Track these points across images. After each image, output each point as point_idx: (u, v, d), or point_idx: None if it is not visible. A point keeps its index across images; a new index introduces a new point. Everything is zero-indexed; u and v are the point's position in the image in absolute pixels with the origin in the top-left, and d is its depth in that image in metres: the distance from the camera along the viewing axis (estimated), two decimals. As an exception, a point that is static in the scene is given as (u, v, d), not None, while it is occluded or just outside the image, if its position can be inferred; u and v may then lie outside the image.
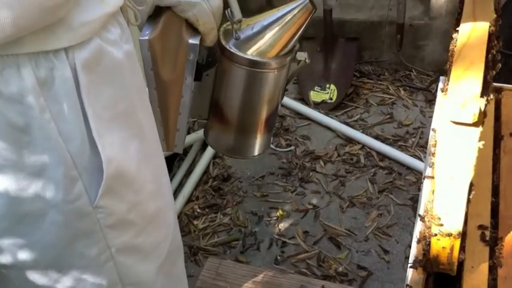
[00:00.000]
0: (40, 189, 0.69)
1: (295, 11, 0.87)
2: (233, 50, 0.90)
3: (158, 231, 0.86)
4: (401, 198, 2.02)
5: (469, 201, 0.77)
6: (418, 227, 0.89)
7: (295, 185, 2.12)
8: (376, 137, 2.26)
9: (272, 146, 2.28)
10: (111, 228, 0.76)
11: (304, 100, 2.46)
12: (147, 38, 0.83)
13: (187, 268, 1.08)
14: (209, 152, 2.20)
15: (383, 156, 2.18)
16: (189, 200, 2.09)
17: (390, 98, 2.46)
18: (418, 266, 0.83)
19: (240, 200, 2.08)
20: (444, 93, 0.85)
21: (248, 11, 2.53)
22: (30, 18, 0.60)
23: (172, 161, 2.23)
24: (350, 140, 2.27)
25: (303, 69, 2.64)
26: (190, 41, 0.87)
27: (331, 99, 2.43)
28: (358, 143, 2.25)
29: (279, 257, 1.87)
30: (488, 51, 0.77)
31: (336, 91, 2.43)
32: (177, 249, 0.95)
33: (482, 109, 0.67)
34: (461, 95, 0.68)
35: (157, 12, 0.87)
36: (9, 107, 0.63)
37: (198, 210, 2.06)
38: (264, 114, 0.97)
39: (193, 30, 0.89)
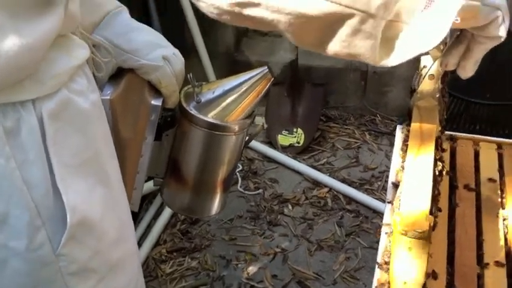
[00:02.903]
0: (3, 237, 0.69)
1: (255, 79, 0.91)
2: (194, 112, 0.92)
3: (120, 278, 0.86)
4: (368, 241, 2.05)
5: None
6: (377, 273, 0.92)
7: (263, 228, 2.14)
8: (343, 181, 2.31)
9: (240, 189, 2.30)
10: (72, 276, 0.76)
11: (272, 144, 2.51)
12: (108, 97, 0.85)
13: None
14: (178, 195, 2.20)
15: (350, 199, 2.22)
16: (156, 244, 2.07)
17: (356, 142, 2.52)
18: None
19: (208, 244, 2.08)
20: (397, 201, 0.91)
21: (216, 54, 2.59)
22: (3, 76, 0.62)
23: (141, 205, 2.22)
24: (317, 183, 2.31)
25: (270, 114, 2.67)
26: (153, 102, 0.90)
27: (298, 143, 2.48)
28: (326, 186, 2.29)
29: (247, 302, 1.87)
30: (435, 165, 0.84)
31: (303, 135, 2.48)
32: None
33: (431, 224, 0.73)
34: (411, 212, 0.73)
35: (119, 73, 0.90)
36: None
37: (166, 254, 2.05)
38: (221, 175, 0.99)
39: (156, 91, 0.92)
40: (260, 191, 2.30)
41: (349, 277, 1.92)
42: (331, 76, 2.59)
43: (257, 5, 0.62)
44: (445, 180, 1.10)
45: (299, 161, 2.41)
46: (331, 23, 0.63)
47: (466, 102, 2.26)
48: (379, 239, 2.06)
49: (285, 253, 2.03)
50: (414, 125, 0.91)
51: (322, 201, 2.23)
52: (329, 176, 2.33)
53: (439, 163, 0.90)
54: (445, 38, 0.76)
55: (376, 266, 0.93)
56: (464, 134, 1.23)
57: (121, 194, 0.87)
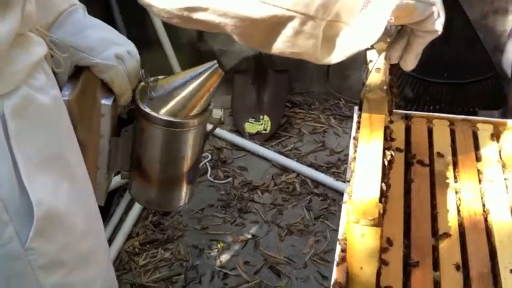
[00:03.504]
0: None
1: (205, 74, 0.92)
2: (147, 109, 0.94)
3: (89, 270, 0.88)
4: (336, 223, 2.08)
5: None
6: (338, 249, 0.96)
7: (234, 216, 2.17)
8: (310, 165, 2.35)
9: (210, 178, 2.33)
10: (42, 269, 0.78)
11: (240, 132, 2.53)
12: (66, 98, 0.86)
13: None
14: (148, 188, 2.22)
15: (317, 183, 2.27)
16: (129, 237, 2.09)
17: (322, 127, 2.57)
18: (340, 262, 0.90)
19: (181, 234, 2.10)
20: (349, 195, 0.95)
21: (180, 45, 2.60)
22: None
23: (111, 199, 2.23)
24: (285, 169, 2.35)
25: (236, 102, 2.68)
26: (103, 101, 0.92)
27: (265, 130, 2.51)
28: (294, 171, 2.33)
29: (221, 289, 1.90)
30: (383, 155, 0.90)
31: (269, 122, 2.52)
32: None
33: (381, 212, 0.78)
34: (363, 201, 0.79)
35: (77, 71, 0.91)
36: None
37: (139, 246, 2.07)
38: (183, 169, 1.00)
39: (109, 89, 0.93)
40: (230, 179, 2.32)
41: (319, 259, 1.97)
42: (295, 62, 2.61)
43: (205, 9, 0.65)
44: (401, 157, 1.15)
45: (267, 148, 2.44)
46: (274, 25, 0.66)
47: (426, 82, 2.33)
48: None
49: (256, 239, 2.06)
50: (364, 116, 0.97)
51: (290, 187, 2.27)
52: (296, 161, 2.37)
53: (387, 152, 0.94)
54: (390, 33, 0.81)
55: (337, 242, 0.97)
56: (418, 112, 1.28)
57: (87, 187, 0.89)
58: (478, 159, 1.15)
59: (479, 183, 1.10)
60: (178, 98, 0.93)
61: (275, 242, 2.05)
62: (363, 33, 0.69)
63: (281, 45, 0.69)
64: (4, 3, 0.68)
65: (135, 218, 2.15)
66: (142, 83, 0.96)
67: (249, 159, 2.42)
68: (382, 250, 0.96)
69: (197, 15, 0.66)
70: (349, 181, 1.08)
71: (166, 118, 0.93)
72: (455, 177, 1.12)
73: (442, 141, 1.19)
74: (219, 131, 2.52)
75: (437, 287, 0.91)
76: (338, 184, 2.21)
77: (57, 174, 0.77)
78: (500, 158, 1.16)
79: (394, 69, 1.04)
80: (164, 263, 2.00)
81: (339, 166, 2.35)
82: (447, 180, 1.10)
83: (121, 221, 2.13)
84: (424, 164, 1.13)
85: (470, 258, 0.95)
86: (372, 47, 0.87)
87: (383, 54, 0.89)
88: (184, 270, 1.97)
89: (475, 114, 2.25)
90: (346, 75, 2.61)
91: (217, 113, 1.03)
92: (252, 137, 2.50)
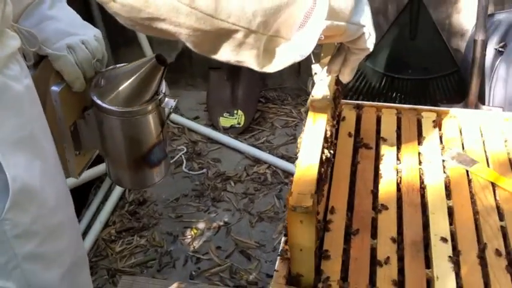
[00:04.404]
0: None
1: (145, 67, 0.98)
2: (94, 98, 1.01)
3: (60, 242, 0.97)
4: (304, 210, 2.21)
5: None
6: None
7: (207, 204, 2.27)
8: (282, 157, 2.46)
9: (185, 169, 2.42)
10: (17, 238, 0.87)
11: (214, 126, 2.64)
12: None
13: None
14: (125, 179, 2.31)
15: (288, 173, 2.37)
16: (106, 225, 2.18)
17: (293, 121, 2.68)
18: (284, 255, 1.00)
19: (156, 222, 2.20)
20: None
21: (158, 43, 2.69)
22: None
23: (89, 189, 2.32)
24: (258, 161, 2.45)
25: (211, 98, 2.76)
26: (52, 88, 0.99)
27: (239, 124, 2.61)
28: (265, 162, 2.44)
29: (193, 273, 1.99)
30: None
31: (243, 116, 2.62)
32: (81, 261, 1.06)
33: (316, 201, 0.91)
34: (299, 192, 0.92)
35: (40, 61, 0.99)
36: None
37: (115, 234, 2.16)
38: (142, 152, 1.07)
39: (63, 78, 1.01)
40: (204, 170, 2.42)
41: (288, 243, 2.07)
42: (268, 59, 2.72)
43: (163, 20, 0.74)
44: (350, 141, 1.26)
45: (240, 141, 2.55)
46: (221, 36, 0.77)
47: (391, 78, 2.45)
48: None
49: (228, 226, 2.16)
50: (308, 121, 1.10)
51: (262, 177, 2.38)
52: (268, 153, 2.47)
53: (326, 151, 1.06)
54: (332, 47, 0.93)
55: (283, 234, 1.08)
56: (368, 102, 1.39)
57: (57, 166, 0.98)
58: (420, 143, 1.27)
59: (420, 164, 1.21)
60: (121, 88, 1.00)
61: (246, 228, 2.15)
62: (298, 48, 0.81)
63: (228, 54, 0.79)
64: None
65: (112, 207, 2.24)
66: (99, 72, 1.04)
67: (223, 152, 2.53)
68: (327, 221, 1.07)
69: (156, 24, 0.75)
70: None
71: (107, 106, 1.00)
72: (398, 159, 1.23)
73: (388, 128, 1.30)
74: (194, 125, 2.62)
75: (373, 252, 1.02)
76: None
77: (30, 153, 0.87)
78: (441, 142, 1.27)
79: (339, 81, 1.16)
80: (139, 249, 2.10)
81: (308, 157, 2.45)
82: (390, 162, 1.21)
83: (98, 210, 2.22)
84: (369, 147, 1.24)
85: (406, 227, 1.06)
86: (317, 61, 1.04)
87: (325, 68, 1.01)
88: (158, 255, 2.06)
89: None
90: (317, 71, 2.72)
91: (169, 102, 1.07)
92: (226, 130, 2.61)
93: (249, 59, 0.80)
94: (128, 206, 2.27)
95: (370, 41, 0.89)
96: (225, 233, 2.14)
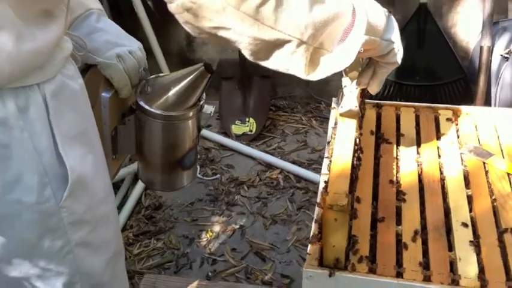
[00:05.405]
0: (18, 194, 0.85)
1: (193, 74, 1.05)
2: (142, 103, 1.07)
3: (106, 231, 1.02)
4: (317, 213, 2.26)
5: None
6: (316, 212, 1.11)
7: (222, 208, 2.32)
8: (293, 162, 2.52)
9: (199, 175, 2.48)
10: (71, 225, 0.93)
11: (227, 133, 2.70)
12: None
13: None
14: (140, 184, 2.36)
15: (300, 178, 2.44)
16: (123, 229, 2.22)
17: (304, 128, 2.74)
18: (315, 240, 1.05)
19: (172, 226, 2.25)
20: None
21: (170, 53, 2.76)
22: (22, 69, 0.80)
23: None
24: (270, 166, 2.51)
25: (224, 106, 2.84)
26: (103, 94, 1.07)
27: (251, 131, 2.67)
28: (277, 168, 2.50)
29: (210, 273, 2.04)
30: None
31: (255, 124, 2.68)
32: (119, 251, 1.11)
33: (350, 200, 0.98)
34: (335, 192, 0.99)
35: (87, 69, 1.06)
36: None
37: (133, 237, 2.20)
38: (178, 155, 1.13)
39: (111, 85, 1.08)
40: (217, 176, 2.48)
41: (301, 245, 2.12)
42: (278, 68, 2.79)
43: (228, 29, 0.84)
44: (372, 138, 1.32)
45: (252, 147, 2.61)
46: (277, 45, 0.87)
47: (399, 84, 2.52)
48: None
49: (243, 229, 2.21)
50: (340, 128, 1.19)
51: (274, 182, 2.43)
52: (280, 158, 2.53)
53: (356, 155, 1.14)
54: (357, 62, 1.02)
55: (316, 205, 1.13)
56: (387, 102, 1.45)
57: (104, 162, 1.05)
58: (438, 138, 1.32)
59: (439, 157, 1.27)
60: (168, 94, 1.06)
61: (260, 230, 2.20)
62: (339, 59, 0.91)
63: (279, 61, 0.89)
64: (51, 15, 0.85)
65: (129, 212, 2.29)
66: (143, 81, 1.10)
67: (236, 158, 2.58)
68: (354, 210, 1.12)
69: (221, 33, 0.85)
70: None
71: (155, 111, 1.07)
72: (418, 153, 1.28)
73: (407, 125, 1.36)
74: (207, 132, 2.68)
75: (398, 237, 1.07)
76: (319, 178, 2.37)
77: (85, 148, 0.94)
78: (458, 137, 1.33)
79: (363, 93, 1.23)
80: (156, 251, 2.14)
81: (319, 162, 2.51)
82: (411, 155, 1.27)
83: (115, 214, 2.27)
84: (389, 142, 1.30)
85: (428, 214, 1.11)
86: (346, 75, 1.13)
87: (355, 81, 1.11)
88: (175, 257, 2.10)
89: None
90: (326, 80, 2.72)
91: (208, 109, 1.16)
92: (238, 137, 2.66)
93: (297, 67, 0.89)
94: (144, 211, 2.32)
95: (398, 55, 0.99)
96: (240, 235, 2.19)
